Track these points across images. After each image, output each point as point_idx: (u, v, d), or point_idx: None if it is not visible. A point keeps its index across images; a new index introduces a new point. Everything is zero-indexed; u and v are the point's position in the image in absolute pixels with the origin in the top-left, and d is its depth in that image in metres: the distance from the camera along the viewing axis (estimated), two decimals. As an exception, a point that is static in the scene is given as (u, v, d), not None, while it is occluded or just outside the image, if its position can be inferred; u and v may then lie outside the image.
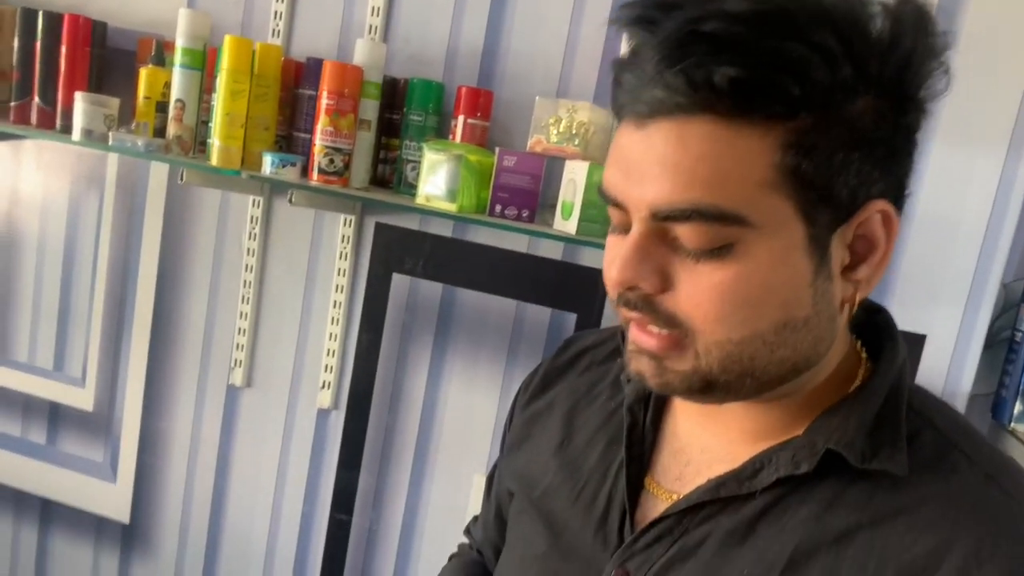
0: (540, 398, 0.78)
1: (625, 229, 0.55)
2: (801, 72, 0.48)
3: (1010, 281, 1.33)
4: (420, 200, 1.35)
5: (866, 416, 0.57)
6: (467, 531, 0.97)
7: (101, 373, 1.81)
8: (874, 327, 0.63)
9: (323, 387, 1.65)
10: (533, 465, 0.74)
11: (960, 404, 1.32)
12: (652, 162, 0.51)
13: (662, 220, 0.52)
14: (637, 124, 0.52)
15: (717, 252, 0.51)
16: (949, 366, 1.32)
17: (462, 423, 1.61)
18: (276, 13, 1.57)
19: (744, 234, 0.51)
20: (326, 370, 1.64)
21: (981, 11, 1.25)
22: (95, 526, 1.86)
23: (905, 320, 1.32)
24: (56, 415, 1.87)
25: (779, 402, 0.60)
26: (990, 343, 1.34)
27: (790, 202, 0.51)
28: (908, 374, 0.60)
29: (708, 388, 0.56)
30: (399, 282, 1.59)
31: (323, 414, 1.67)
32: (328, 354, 1.63)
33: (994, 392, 1.38)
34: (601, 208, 1.27)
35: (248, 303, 1.67)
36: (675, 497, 0.62)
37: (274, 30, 1.58)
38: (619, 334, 0.75)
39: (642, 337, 0.56)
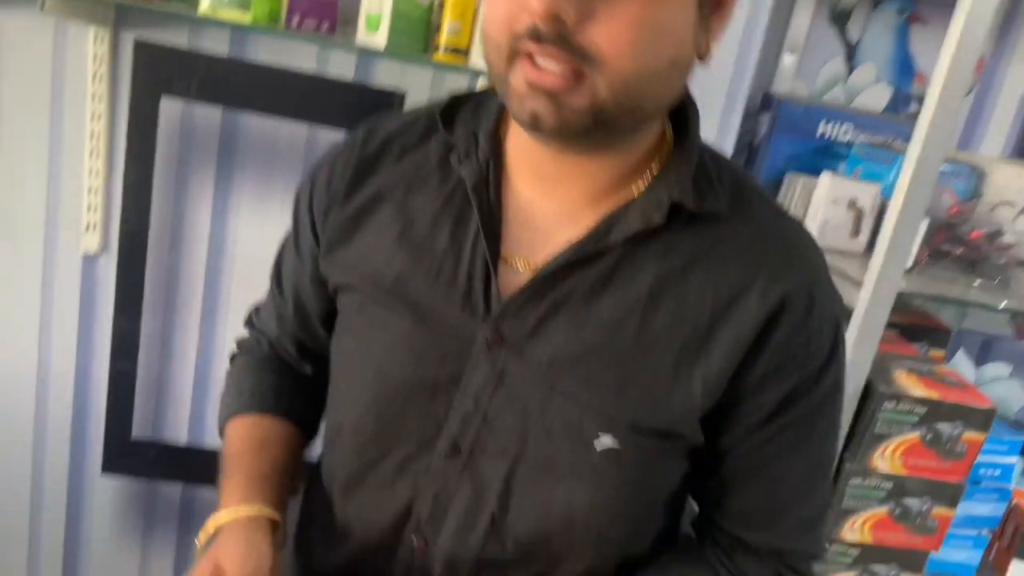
0: (359, 191, 0.77)
1: None
2: None
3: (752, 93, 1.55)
4: (205, 9, 1.21)
5: (691, 170, 0.69)
6: (251, 324, 0.96)
7: None
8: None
9: (88, 229, 1.47)
10: (373, 257, 0.75)
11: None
12: None
13: None
14: None
15: None
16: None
17: (255, 259, 1.54)
18: None
19: None
20: (89, 210, 1.46)
21: None
22: None
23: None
24: None
25: (616, 162, 0.69)
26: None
27: None
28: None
29: (596, 125, 0.62)
30: (169, 107, 1.44)
31: (89, 260, 1.51)
32: (90, 192, 1.45)
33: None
34: (411, 20, 1.25)
35: (-23, 137, 1.41)
36: (531, 263, 0.70)
37: None
38: (428, 117, 0.77)
39: (540, 76, 0.60)
